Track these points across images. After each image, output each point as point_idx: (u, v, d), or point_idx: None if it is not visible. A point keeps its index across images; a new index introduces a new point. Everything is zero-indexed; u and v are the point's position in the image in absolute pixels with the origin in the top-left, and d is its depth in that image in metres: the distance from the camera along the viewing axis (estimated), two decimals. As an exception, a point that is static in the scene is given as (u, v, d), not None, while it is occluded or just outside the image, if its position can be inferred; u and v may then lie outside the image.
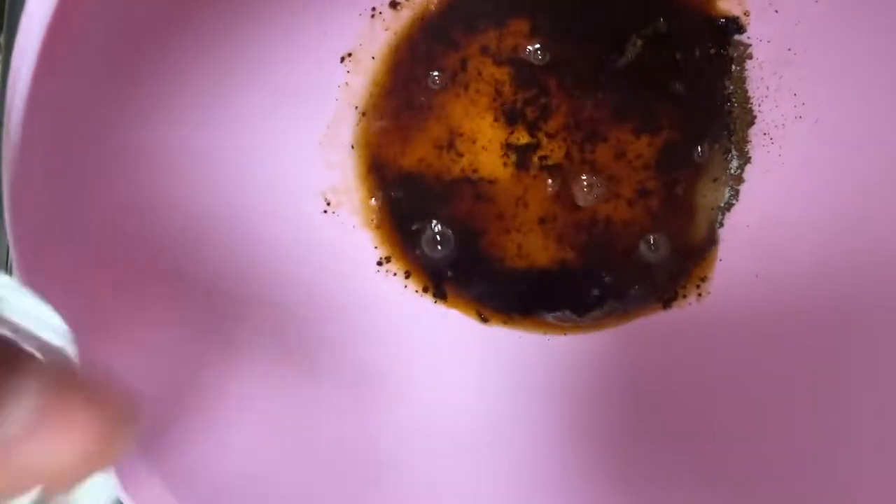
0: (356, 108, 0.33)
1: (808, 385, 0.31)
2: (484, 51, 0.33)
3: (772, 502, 0.30)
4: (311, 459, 0.31)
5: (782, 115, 0.31)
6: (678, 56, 0.32)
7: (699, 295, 0.34)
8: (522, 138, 0.33)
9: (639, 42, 0.32)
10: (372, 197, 0.34)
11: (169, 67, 0.29)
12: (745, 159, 0.33)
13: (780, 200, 0.32)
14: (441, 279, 0.35)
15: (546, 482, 0.33)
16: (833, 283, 0.32)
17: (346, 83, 0.33)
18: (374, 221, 0.35)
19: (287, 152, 0.32)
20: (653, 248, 0.35)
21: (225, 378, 0.31)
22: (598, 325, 0.35)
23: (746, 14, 0.31)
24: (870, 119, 0.29)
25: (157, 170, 0.30)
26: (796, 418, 0.31)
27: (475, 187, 0.34)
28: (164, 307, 0.29)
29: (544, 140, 0.33)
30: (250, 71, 0.30)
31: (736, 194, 0.33)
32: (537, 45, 0.33)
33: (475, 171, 0.34)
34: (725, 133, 0.33)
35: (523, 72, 0.33)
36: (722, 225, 0.34)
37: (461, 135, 0.34)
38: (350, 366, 0.34)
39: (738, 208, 0.33)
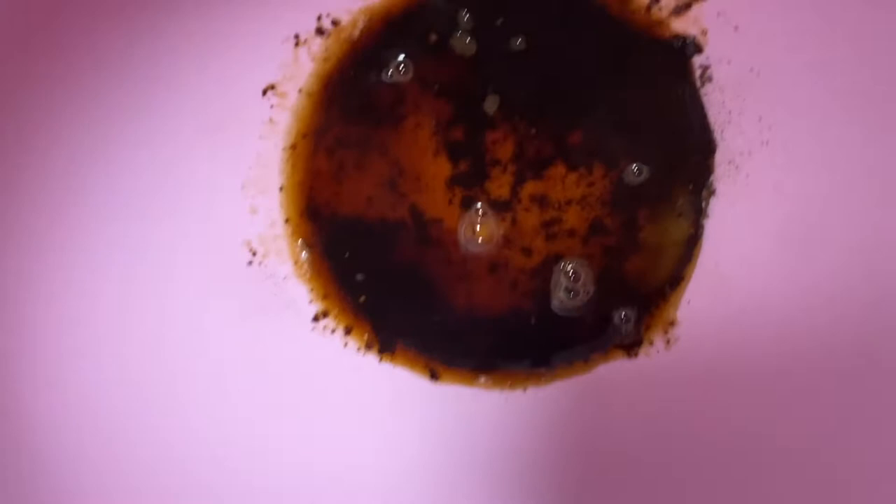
0: (283, 147, 0.30)
1: (784, 442, 0.28)
2: (422, 82, 0.30)
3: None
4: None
5: (748, 142, 0.29)
6: (632, 82, 0.29)
7: (667, 342, 0.31)
8: (467, 173, 0.30)
9: (589, 67, 0.30)
10: (306, 246, 0.31)
11: (74, 101, 0.26)
12: (709, 191, 0.30)
13: (750, 235, 0.30)
14: (388, 332, 0.32)
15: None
16: (812, 324, 0.29)
17: (271, 119, 0.30)
18: (308, 272, 0.31)
19: (206, 198, 0.29)
20: (612, 290, 0.32)
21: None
22: (557, 376, 0.32)
23: (704, 33, 0.29)
24: (845, 141, 0.27)
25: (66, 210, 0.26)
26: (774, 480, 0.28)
27: (421, 230, 0.31)
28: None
29: (490, 175, 0.31)
30: (158, 106, 0.27)
31: (702, 229, 0.31)
32: (480, 74, 0.30)
33: (419, 211, 0.31)
34: (687, 164, 0.30)
35: (465, 103, 0.30)
36: (688, 263, 0.31)
37: (402, 172, 0.31)
38: (279, 428, 0.30)
39: (704, 245, 0.31)
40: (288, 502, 0.29)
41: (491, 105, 0.30)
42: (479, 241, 0.30)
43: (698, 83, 0.29)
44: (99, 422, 0.27)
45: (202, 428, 0.29)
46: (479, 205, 0.30)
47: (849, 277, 0.28)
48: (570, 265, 0.30)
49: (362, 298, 0.32)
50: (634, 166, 0.30)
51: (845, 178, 0.27)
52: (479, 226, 0.30)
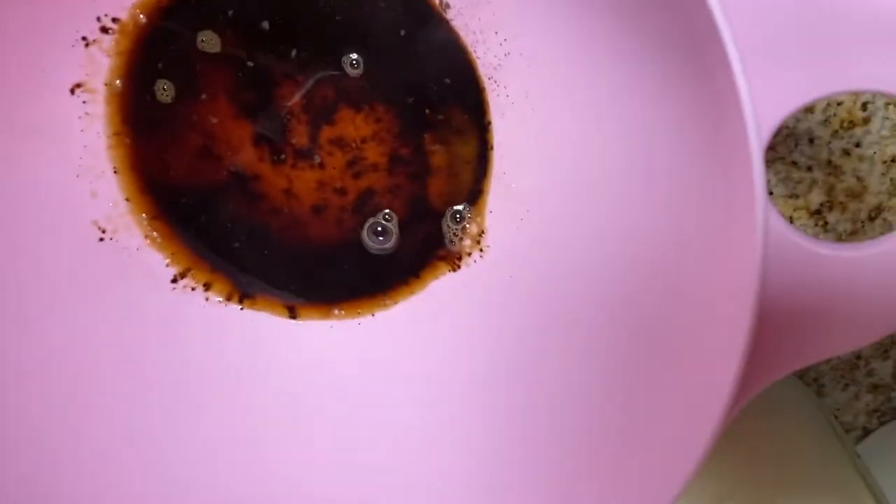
0: (106, 135, 0.34)
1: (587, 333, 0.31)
2: (205, 57, 0.33)
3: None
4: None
5: (495, 56, 0.31)
6: (384, 20, 0.32)
7: (481, 251, 0.34)
8: (266, 128, 0.34)
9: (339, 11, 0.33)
10: (149, 216, 0.35)
11: None
12: (481, 108, 0.32)
13: (521, 141, 0.32)
14: (245, 282, 0.36)
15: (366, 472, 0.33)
16: (590, 216, 0.31)
17: (86, 113, 0.34)
18: (158, 238, 0.35)
19: (43, 192, 0.33)
20: (425, 210, 0.35)
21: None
22: (398, 296, 0.35)
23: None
24: (560, 41, 0.29)
25: None
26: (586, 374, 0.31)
27: (244, 186, 0.35)
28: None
29: (289, 127, 0.34)
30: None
31: (485, 144, 0.33)
32: (248, 36, 0.33)
33: (239, 170, 0.35)
34: (455, 85, 0.32)
35: (244, 66, 0.33)
36: (484, 176, 0.34)
37: (213, 138, 0.34)
38: (153, 389, 0.34)
39: (492, 157, 0.33)
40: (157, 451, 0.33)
41: (267, 63, 0.33)
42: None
43: (442, 10, 0.31)
44: None
45: (73, 386, 0.32)
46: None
47: (596, 173, 0.30)
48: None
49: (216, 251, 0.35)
50: (409, 98, 0.33)
51: (574, 78, 0.29)
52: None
